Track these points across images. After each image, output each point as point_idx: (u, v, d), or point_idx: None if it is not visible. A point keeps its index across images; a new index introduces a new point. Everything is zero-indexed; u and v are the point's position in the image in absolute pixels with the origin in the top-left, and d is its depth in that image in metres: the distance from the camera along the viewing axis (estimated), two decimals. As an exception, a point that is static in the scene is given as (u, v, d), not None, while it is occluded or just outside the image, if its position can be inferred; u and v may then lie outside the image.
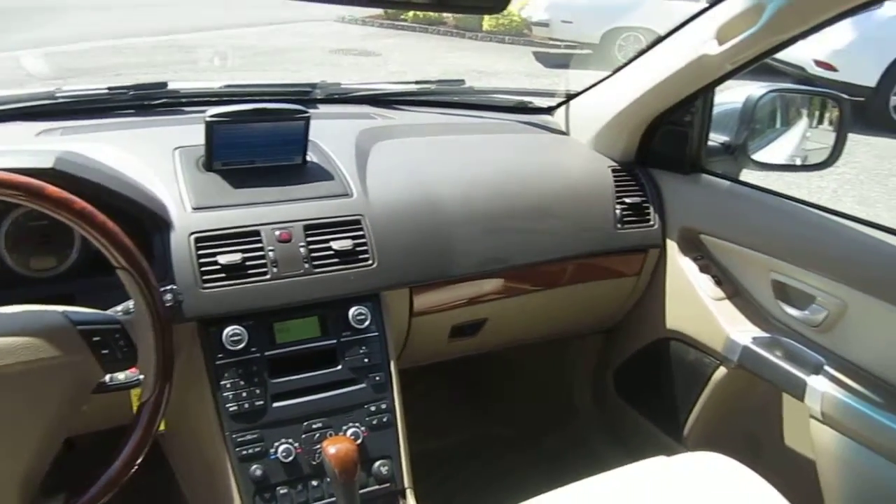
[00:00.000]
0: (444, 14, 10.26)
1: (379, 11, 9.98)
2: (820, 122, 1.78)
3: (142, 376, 1.00)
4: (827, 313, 1.33)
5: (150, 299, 0.95)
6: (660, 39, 1.45)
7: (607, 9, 8.08)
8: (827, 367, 1.32)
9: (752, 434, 1.51)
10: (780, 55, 7.32)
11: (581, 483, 1.16)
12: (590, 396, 1.87)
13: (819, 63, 6.91)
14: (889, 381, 1.26)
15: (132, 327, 0.97)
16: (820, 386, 1.30)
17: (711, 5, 1.31)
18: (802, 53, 7.08)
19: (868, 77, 6.83)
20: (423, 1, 0.93)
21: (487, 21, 9.69)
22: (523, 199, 1.46)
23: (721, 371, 1.48)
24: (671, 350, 1.59)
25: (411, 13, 10.10)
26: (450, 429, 1.89)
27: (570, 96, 1.71)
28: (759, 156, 1.71)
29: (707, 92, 1.46)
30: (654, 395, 1.66)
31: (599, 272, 1.57)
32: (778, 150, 1.80)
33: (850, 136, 5.41)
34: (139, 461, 0.99)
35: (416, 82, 1.76)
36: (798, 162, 1.79)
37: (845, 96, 1.61)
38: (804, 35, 1.22)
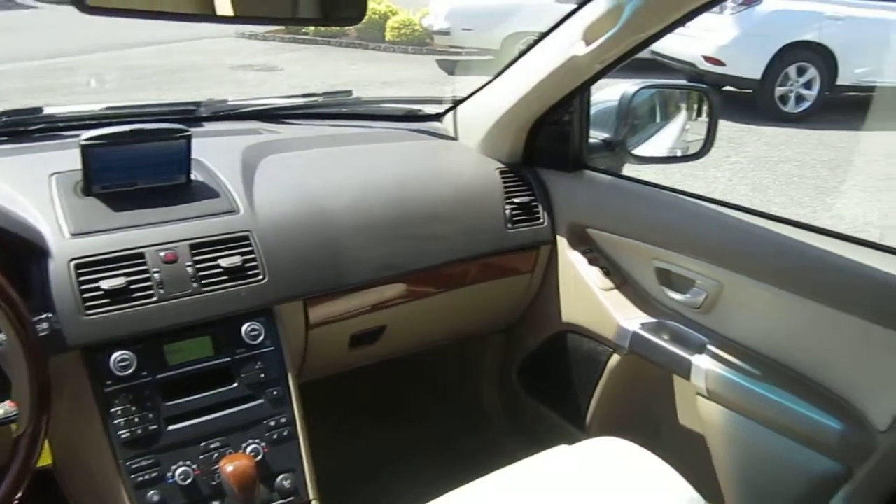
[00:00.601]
0: (347, 27, 10.27)
1: (280, 26, 9.89)
2: (699, 114, 1.87)
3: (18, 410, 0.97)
4: (706, 295, 1.40)
5: (21, 330, 0.93)
6: (535, 42, 1.50)
7: (506, 14, 8.23)
8: (709, 346, 1.39)
9: (649, 416, 1.57)
10: (673, 53, 7.65)
11: (485, 478, 1.18)
12: (496, 394, 1.91)
13: (708, 59, 7.24)
14: (764, 353, 1.34)
15: (4, 360, 0.94)
16: (703, 364, 1.37)
17: (578, 8, 1.36)
18: (692, 50, 7.40)
19: (754, 70, 7.20)
20: (276, 15, 0.93)
21: (389, 32, 9.75)
22: (413, 205, 1.48)
23: (615, 358, 1.54)
24: (568, 342, 1.64)
25: (313, 27, 10.07)
26: (360, 437, 1.90)
27: (456, 102, 1.74)
28: (640, 150, 1.78)
29: (582, 91, 1.52)
30: (556, 387, 1.71)
31: (494, 272, 1.61)
32: (659, 143, 1.88)
33: (742, 126, 5.69)
34: (17, 497, 0.96)
35: (304, 95, 1.76)
36: (679, 153, 1.87)
37: (712, 89, 1.70)
38: (662, 33, 1.30)
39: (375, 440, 1.91)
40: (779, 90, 7.26)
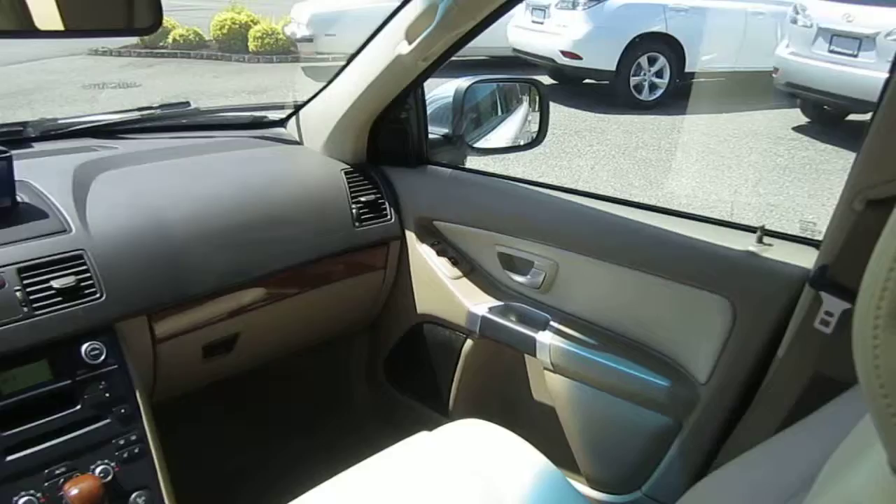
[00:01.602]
0: (207, 38, 10.00)
1: (134, 40, 9.52)
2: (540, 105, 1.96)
3: None
4: (544, 275, 1.48)
5: None
6: (365, 44, 1.53)
7: (367, 18, 8.23)
8: (552, 323, 1.47)
9: (505, 395, 1.64)
10: (533, 49, 7.90)
11: (347, 472, 1.21)
12: (366, 389, 1.93)
13: (565, 53, 7.53)
14: (598, 324, 1.43)
15: None
16: (546, 340, 1.44)
17: (399, 7, 1.41)
18: (551, 46, 7.68)
19: (609, 62, 7.54)
20: (75, 27, 0.92)
21: (252, 42, 9.57)
22: (258, 210, 1.48)
23: (469, 343, 1.60)
24: (425, 332, 1.69)
25: (171, 39, 9.75)
26: (231, 447, 1.87)
27: (298, 107, 1.75)
28: (482, 142, 1.86)
29: (415, 89, 1.57)
30: (418, 377, 1.75)
31: (347, 270, 1.63)
32: (502, 135, 1.96)
33: (602, 116, 5.92)
34: None
35: (139, 109, 1.72)
36: (522, 142, 1.95)
37: (540, 82, 1.79)
38: (476, 30, 1.36)
39: (248, 447, 1.89)
40: (633, 80, 7.63)
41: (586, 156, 6.07)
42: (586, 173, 5.67)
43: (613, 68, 7.53)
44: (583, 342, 1.42)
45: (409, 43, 1.37)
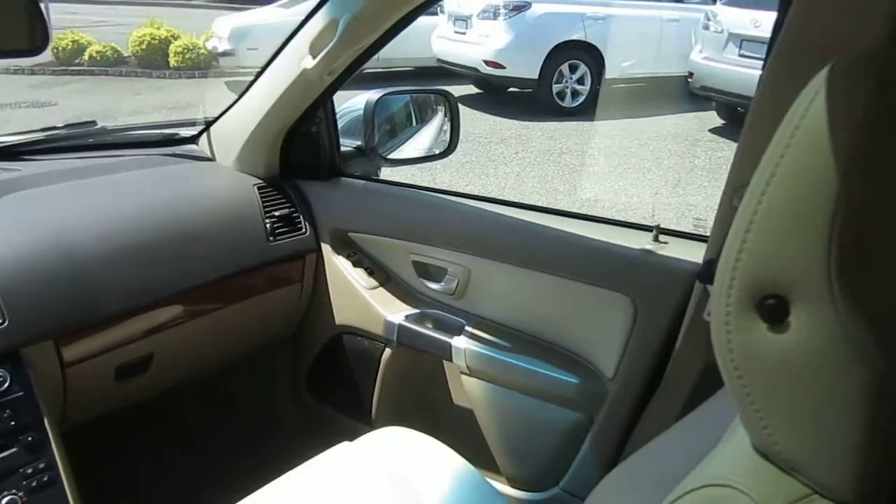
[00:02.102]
0: (125, 54, 9.76)
1: (48, 56, 9.22)
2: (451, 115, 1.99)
3: None
4: (458, 281, 1.51)
5: None
6: (272, 58, 1.54)
7: (288, 31, 8.20)
8: (466, 328, 1.51)
9: (426, 402, 1.66)
10: (457, 60, 7.98)
11: (267, 487, 1.21)
12: (289, 404, 1.93)
13: (488, 63, 7.63)
14: (511, 326, 1.47)
15: None
16: (462, 345, 1.47)
17: (303, 22, 1.43)
18: (474, 56, 7.77)
19: (531, 70, 7.67)
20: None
21: (173, 58, 9.37)
22: (167, 228, 1.47)
23: (387, 352, 1.62)
24: (345, 343, 1.70)
25: (86, 56, 9.47)
26: (150, 471, 1.84)
27: (209, 123, 1.75)
28: (397, 153, 1.88)
29: (324, 102, 1.58)
30: (340, 388, 1.76)
31: (263, 285, 1.63)
32: (417, 145, 1.99)
33: (527, 123, 6.00)
34: None
35: (43, 130, 1.69)
36: (436, 152, 1.98)
37: (450, 92, 1.82)
38: (378, 44, 1.39)
39: (169, 469, 1.86)
40: (556, 87, 7.79)
41: (512, 163, 6.16)
42: (512, 180, 5.76)
43: (536, 76, 7.66)
44: (496, 345, 1.46)
45: (314, 57, 1.39)
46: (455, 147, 1.80)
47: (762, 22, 6.34)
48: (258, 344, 1.79)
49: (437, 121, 2.02)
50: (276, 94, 1.53)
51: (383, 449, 1.31)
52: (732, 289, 0.56)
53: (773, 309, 0.54)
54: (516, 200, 1.55)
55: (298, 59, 1.43)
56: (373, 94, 1.73)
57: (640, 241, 1.30)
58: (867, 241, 0.54)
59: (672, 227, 1.35)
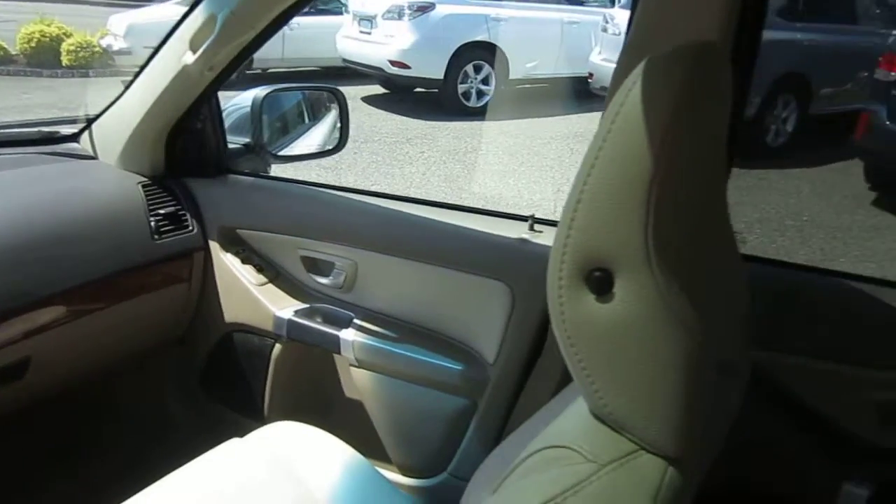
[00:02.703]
0: (13, 52, 9.30)
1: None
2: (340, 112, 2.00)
3: None
4: (345, 275, 1.53)
5: None
6: (153, 54, 1.52)
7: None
8: (355, 320, 1.53)
9: (318, 396, 1.68)
10: (363, 60, 7.98)
11: (153, 486, 1.20)
12: (182, 404, 1.90)
13: (394, 63, 7.67)
14: (398, 317, 1.50)
15: None
16: (350, 337, 1.50)
17: (183, 18, 1.42)
18: (380, 56, 7.78)
19: (436, 70, 7.75)
20: None
21: (66, 56, 9.00)
22: (44, 229, 1.43)
23: (278, 348, 1.63)
24: (236, 341, 1.70)
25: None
26: (35, 482, 1.79)
27: (90, 120, 1.71)
28: (288, 150, 1.89)
29: (208, 98, 1.57)
30: (233, 386, 1.75)
31: (149, 284, 1.60)
32: (310, 142, 2.00)
33: (433, 123, 6.02)
34: None
35: None
36: (329, 147, 1.99)
37: (339, 89, 1.84)
38: (261, 38, 1.40)
39: (56, 479, 1.81)
40: (461, 87, 7.89)
41: (417, 162, 6.21)
42: (418, 179, 5.81)
43: (441, 76, 7.75)
44: (383, 336, 1.49)
45: (194, 53, 1.39)
46: (345, 143, 1.82)
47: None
48: (147, 345, 1.76)
49: (331, 118, 2.03)
50: (157, 90, 1.51)
51: (272, 443, 1.32)
52: (564, 263, 0.61)
53: (599, 281, 0.60)
54: (403, 195, 1.58)
55: (179, 56, 1.42)
56: (260, 91, 1.72)
57: (516, 231, 1.35)
58: (676, 217, 0.59)
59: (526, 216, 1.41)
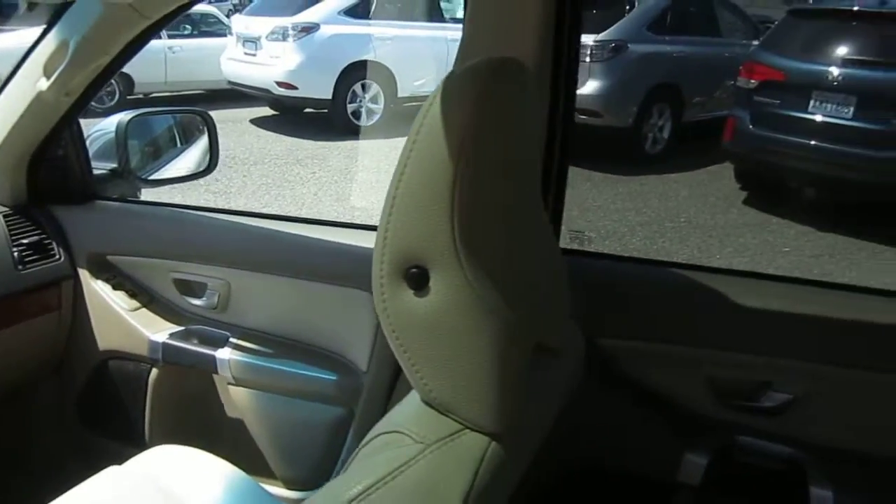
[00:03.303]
0: None
1: None
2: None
3: None
4: (219, 295, 1.55)
5: None
6: (7, 80, 1.50)
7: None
8: (231, 339, 1.54)
9: (199, 417, 1.67)
10: (250, 82, 7.90)
11: None
12: (59, 437, 1.84)
13: (280, 84, 7.63)
14: (271, 333, 1.52)
15: None
16: (226, 356, 1.51)
17: (35, 44, 1.41)
18: (266, 77, 7.73)
19: (324, 90, 7.75)
20: None
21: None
22: None
23: (155, 372, 1.62)
24: (111, 368, 1.67)
25: None
26: None
27: (-57, 151, 1.65)
28: (158, 174, 1.88)
29: (68, 124, 1.56)
30: (112, 414, 1.72)
31: (15, 316, 1.56)
32: (183, 164, 1.99)
33: (324, 143, 6.01)
34: None
35: None
36: (201, 170, 1.99)
37: (206, 112, 1.85)
38: (117, 63, 1.40)
39: None
40: (350, 106, 7.91)
41: (309, 183, 6.19)
42: (310, 200, 5.79)
43: (330, 96, 7.74)
44: (259, 352, 1.51)
45: (48, 78, 1.38)
46: (215, 165, 1.83)
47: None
48: (19, 377, 1.71)
49: (203, 141, 2.03)
50: (13, 117, 1.48)
51: (151, 468, 1.31)
52: (384, 263, 0.66)
53: (416, 277, 0.65)
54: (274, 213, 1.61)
55: (33, 82, 1.41)
56: (124, 115, 1.71)
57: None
58: (481, 217, 0.66)
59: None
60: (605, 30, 6.67)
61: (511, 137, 0.69)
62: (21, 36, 7.93)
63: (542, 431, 0.80)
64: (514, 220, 0.71)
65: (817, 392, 1.18)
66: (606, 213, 5.63)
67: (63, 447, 1.86)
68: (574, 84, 1.22)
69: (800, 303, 1.20)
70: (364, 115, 8.02)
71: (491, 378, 0.66)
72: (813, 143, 5.29)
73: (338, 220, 1.65)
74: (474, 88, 0.64)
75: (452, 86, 0.65)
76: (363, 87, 7.97)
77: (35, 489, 1.84)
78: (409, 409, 0.71)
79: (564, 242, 1.38)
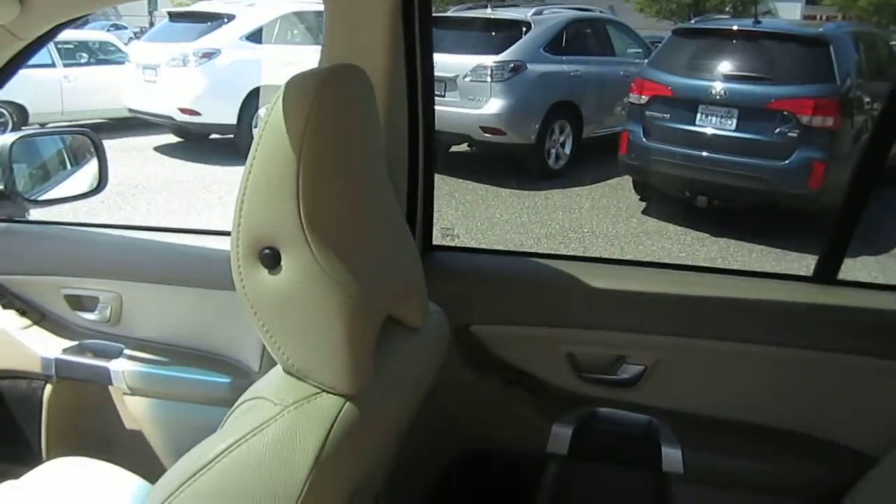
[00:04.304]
0: None
1: None
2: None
3: None
4: (111, 308, 1.58)
5: None
6: None
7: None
8: (126, 351, 1.57)
9: (98, 430, 1.68)
10: (151, 109, 7.76)
11: None
12: None
13: (183, 111, 7.53)
14: (163, 342, 1.56)
15: None
16: (120, 367, 1.54)
17: None
18: (168, 104, 7.61)
19: (229, 115, 7.68)
20: None
21: None
22: None
23: (49, 388, 1.62)
24: (3, 388, 1.67)
25: None
26: None
27: None
28: (47, 195, 1.89)
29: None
30: (8, 436, 1.71)
31: None
32: (74, 184, 2.00)
33: (231, 168, 5.96)
34: None
35: None
36: (92, 189, 1.99)
37: (92, 131, 1.88)
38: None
39: None
40: (255, 131, 7.84)
41: (216, 208, 6.14)
42: (219, 223, 5.75)
43: (234, 121, 7.69)
44: (153, 362, 1.54)
45: None
46: (105, 183, 1.84)
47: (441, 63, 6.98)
48: None
49: (93, 161, 2.05)
50: None
51: (50, 481, 1.33)
52: (239, 246, 0.74)
53: (268, 257, 0.73)
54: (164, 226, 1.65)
55: None
56: (8, 137, 1.72)
57: None
58: (324, 201, 0.74)
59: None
60: (503, 51, 6.90)
61: (349, 134, 0.77)
62: None
63: (398, 398, 0.89)
64: (358, 206, 0.79)
65: (666, 361, 1.32)
66: (513, 227, 5.81)
67: None
68: (430, 97, 1.33)
69: (649, 283, 1.33)
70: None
71: (341, 344, 0.74)
72: (701, 153, 5.59)
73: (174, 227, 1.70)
74: (312, 90, 0.72)
75: (293, 88, 0.73)
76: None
77: None
78: (271, 378, 0.78)
79: (438, 240, 1.48)
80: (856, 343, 1.26)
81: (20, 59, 1.36)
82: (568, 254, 1.48)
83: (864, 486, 1.16)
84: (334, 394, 0.75)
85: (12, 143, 1.71)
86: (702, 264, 1.45)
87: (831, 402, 1.30)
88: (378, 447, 0.83)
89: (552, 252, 1.48)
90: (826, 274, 1.33)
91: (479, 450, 1.38)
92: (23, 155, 1.78)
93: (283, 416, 0.72)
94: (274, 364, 1.45)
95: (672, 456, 1.28)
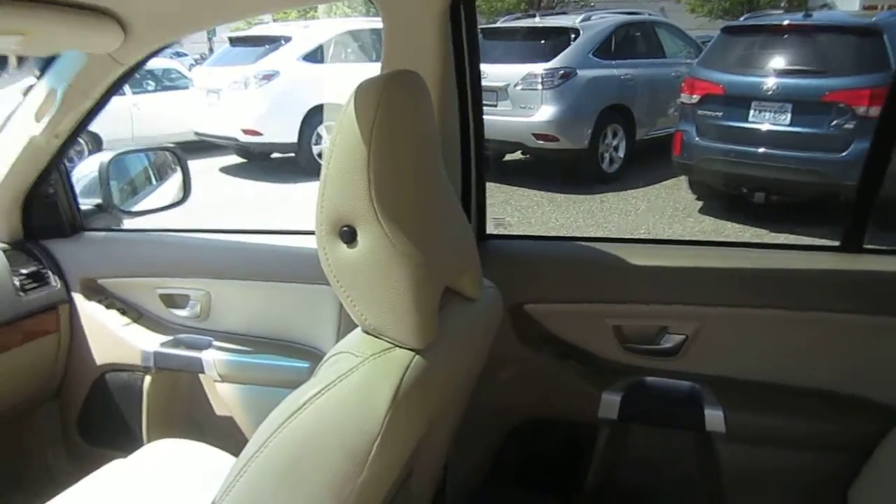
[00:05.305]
0: None
1: None
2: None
3: None
4: (200, 304, 1.75)
5: None
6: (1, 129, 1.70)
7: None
8: (214, 342, 1.74)
9: (194, 416, 1.85)
10: (215, 132, 8.07)
11: None
12: (64, 455, 2.00)
13: (246, 131, 7.82)
14: (248, 334, 1.73)
15: None
16: (211, 357, 1.71)
17: (25, 94, 1.62)
18: (232, 127, 7.91)
19: (289, 134, 7.93)
20: None
21: None
22: None
23: (148, 379, 1.80)
24: (108, 380, 1.85)
25: None
26: None
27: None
28: (137, 207, 2.09)
29: (56, 164, 1.76)
30: (112, 426, 1.89)
31: (19, 338, 1.74)
32: (159, 197, 2.20)
33: (293, 185, 6.12)
34: None
35: None
36: (177, 200, 2.18)
37: (179, 148, 2.07)
38: (99, 106, 1.61)
39: None
40: (316, 148, 8.07)
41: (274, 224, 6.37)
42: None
43: (295, 140, 7.94)
44: (240, 351, 1.71)
45: (39, 123, 1.59)
46: (188, 196, 2.03)
47: (489, 73, 7.13)
48: (21, 398, 1.88)
49: (177, 176, 2.25)
50: (8, 162, 1.68)
51: (153, 459, 1.50)
52: (322, 224, 0.88)
53: (346, 234, 0.87)
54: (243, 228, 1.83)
55: (26, 128, 1.61)
56: (104, 155, 1.92)
57: None
58: (391, 186, 0.88)
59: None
60: (553, 58, 7.00)
61: (410, 130, 0.90)
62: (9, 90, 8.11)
63: (458, 357, 1.01)
64: (420, 190, 0.92)
65: (705, 329, 1.42)
66: (569, 231, 5.87)
67: (68, 466, 2.01)
68: (479, 99, 1.47)
69: (685, 259, 1.44)
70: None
71: (409, 306, 0.87)
72: (757, 149, 5.57)
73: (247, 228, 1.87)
74: (378, 92, 0.86)
75: (361, 91, 0.87)
76: (328, 129, 8.18)
77: None
78: (352, 337, 0.92)
79: (490, 229, 1.62)
80: (885, 305, 1.34)
81: (119, 84, 1.55)
82: (605, 237, 1.61)
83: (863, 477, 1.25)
84: (405, 348, 0.88)
85: (109, 161, 1.91)
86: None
87: (862, 361, 1.38)
88: (443, 396, 0.96)
89: (594, 236, 1.62)
90: (852, 242, 1.43)
91: (536, 418, 1.50)
92: (114, 172, 1.98)
93: (364, 365, 0.85)
94: None
95: (714, 417, 1.38)
